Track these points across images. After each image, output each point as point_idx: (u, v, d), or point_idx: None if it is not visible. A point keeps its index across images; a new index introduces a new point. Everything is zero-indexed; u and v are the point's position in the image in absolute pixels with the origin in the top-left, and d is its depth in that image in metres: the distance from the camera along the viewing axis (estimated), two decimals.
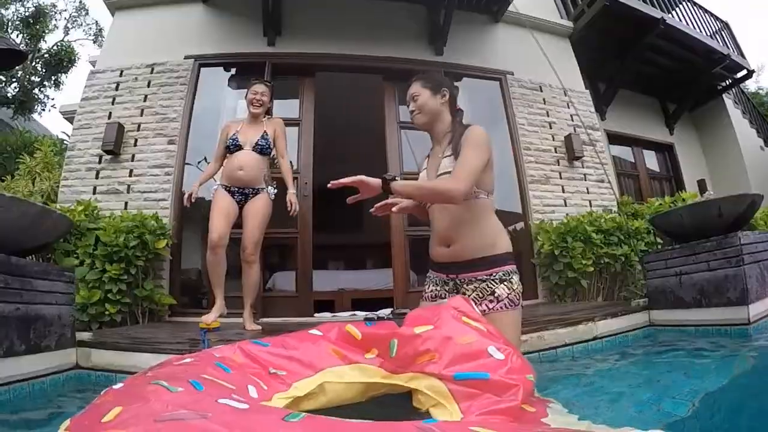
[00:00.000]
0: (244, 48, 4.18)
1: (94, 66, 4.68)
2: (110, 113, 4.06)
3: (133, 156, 3.89)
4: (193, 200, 2.72)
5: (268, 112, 2.91)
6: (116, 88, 4.15)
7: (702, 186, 6.71)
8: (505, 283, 1.52)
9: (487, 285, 1.52)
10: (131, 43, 4.35)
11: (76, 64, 7.35)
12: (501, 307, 1.50)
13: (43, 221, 2.04)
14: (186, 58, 4.15)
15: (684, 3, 6.50)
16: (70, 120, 5.43)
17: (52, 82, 7.26)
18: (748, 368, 1.68)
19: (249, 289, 2.67)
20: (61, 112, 5.36)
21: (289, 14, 4.25)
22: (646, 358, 2.11)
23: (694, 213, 2.51)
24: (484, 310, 1.49)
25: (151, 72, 4.16)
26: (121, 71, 4.20)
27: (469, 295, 1.53)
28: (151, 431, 0.64)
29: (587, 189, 4.43)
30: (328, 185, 1.49)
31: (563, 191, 4.36)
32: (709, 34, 6.60)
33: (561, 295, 3.78)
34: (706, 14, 6.81)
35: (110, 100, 4.13)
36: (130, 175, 3.84)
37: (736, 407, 1.25)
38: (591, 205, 4.34)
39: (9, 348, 1.64)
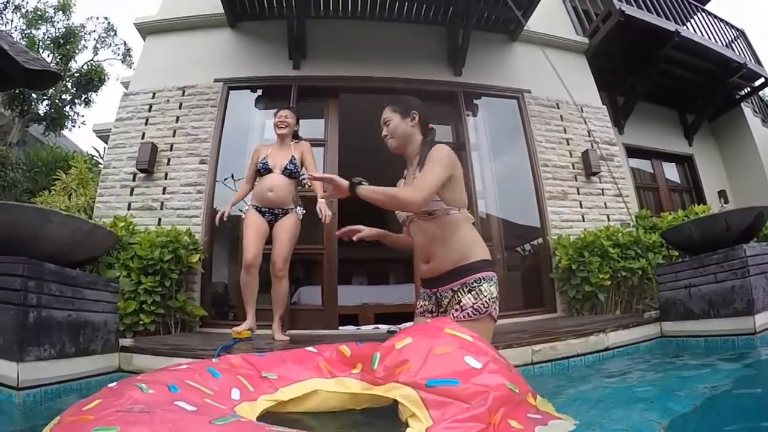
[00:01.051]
0: (271, 71, 4.44)
1: (125, 87, 5.01)
2: (143, 133, 4.35)
3: (166, 174, 4.16)
4: (225, 219, 2.93)
5: (296, 135, 3.10)
6: (149, 110, 4.44)
7: (722, 197, 6.76)
8: (472, 292, 1.58)
9: (456, 294, 1.62)
10: (162, 66, 4.65)
11: (105, 83, 7.75)
12: (464, 316, 1.57)
13: (93, 237, 2.24)
14: (215, 81, 4.43)
15: (699, 13, 6.60)
16: (103, 138, 5.77)
17: (82, 100, 7.66)
18: (741, 378, 1.75)
19: (278, 302, 2.86)
20: (94, 131, 5.70)
21: (314, 39, 4.52)
22: (650, 368, 2.21)
23: (703, 226, 2.61)
24: (453, 319, 1.58)
25: (183, 94, 4.44)
26: (154, 93, 4.50)
27: (446, 305, 1.66)
28: (106, 417, 0.83)
29: (605, 204, 4.55)
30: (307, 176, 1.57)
31: (581, 206, 4.49)
32: (725, 43, 6.67)
33: (579, 308, 3.89)
34: (721, 23, 6.88)
35: (143, 120, 4.41)
36: (163, 193, 4.10)
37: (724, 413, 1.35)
38: (609, 220, 4.45)
39: (61, 350, 1.84)
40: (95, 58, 7.96)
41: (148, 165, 4.08)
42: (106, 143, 6.02)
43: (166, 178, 4.15)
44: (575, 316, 3.90)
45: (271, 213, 2.88)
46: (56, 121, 7.35)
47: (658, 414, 1.25)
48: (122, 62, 8.48)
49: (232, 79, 4.44)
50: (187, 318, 3.58)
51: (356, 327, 3.83)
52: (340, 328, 3.75)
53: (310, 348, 1.51)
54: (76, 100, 7.55)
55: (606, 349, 2.41)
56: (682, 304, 2.59)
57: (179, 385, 1.13)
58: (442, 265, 1.65)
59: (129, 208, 4.09)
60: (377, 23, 4.67)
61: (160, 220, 4.01)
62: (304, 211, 3.00)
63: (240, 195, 3.09)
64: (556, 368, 2.21)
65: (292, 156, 2.93)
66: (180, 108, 4.39)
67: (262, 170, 2.91)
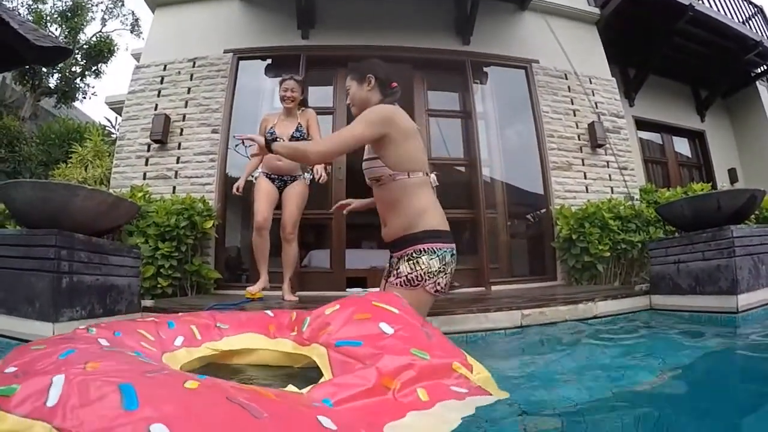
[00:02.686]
0: (280, 41, 4.57)
1: (137, 59, 5.18)
2: (156, 105, 4.54)
3: (180, 144, 4.36)
4: (240, 192, 3.12)
5: (303, 103, 3.23)
6: (161, 82, 4.62)
7: (732, 175, 6.84)
8: (410, 262, 1.60)
9: (399, 262, 1.65)
10: (173, 38, 4.80)
11: (115, 54, 7.93)
12: (398, 284, 1.61)
13: (117, 207, 2.44)
14: (225, 52, 4.58)
15: None
16: (116, 110, 5.98)
17: (93, 71, 7.86)
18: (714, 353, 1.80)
19: (288, 264, 3.09)
20: (106, 103, 5.90)
21: (322, 8, 4.62)
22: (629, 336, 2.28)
23: (695, 205, 2.70)
24: (390, 283, 1.67)
25: (193, 66, 4.61)
26: (165, 65, 4.66)
27: (391, 269, 1.71)
28: (51, 343, 1.04)
29: (609, 176, 4.68)
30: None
31: (585, 178, 4.63)
32: (742, 19, 6.63)
33: (578, 278, 4.06)
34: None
35: (156, 92, 4.60)
36: (177, 162, 4.32)
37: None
38: (612, 192, 4.59)
39: (91, 311, 2.06)
40: (103, 30, 8.14)
41: (162, 135, 4.28)
42: (119, 114, 6.26)
43: (179, 148, 4.36)
44: (574, 285, 4.08)
45: (281, 180, 3.07)
46: (67, 93, 7.57)
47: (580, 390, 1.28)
48: (131, 32, 8.67)
49: (241, 49, 4.58)
50: (202, 281, 3.81)
51: (363, 289, 4.06)
52: (347, 290, 3.98)
53: (268, 312, 1.66)
54: (86, 72, 7.74)
55: (594, 317, 2.52)
56: (671, 279, 2.68)
57: (125, 331, 1.31)
58: (393, 232, 1.70)
59: (144, 178, 4.31)
60: None
61: (174, 188, 4.23)
62: (311, 177, 3.20)
63: (252, 165, 3.23)
64: (544, 332, 2.32)
65: (299, 124, 3.08)
66: (191, 79, 4.56)
67: (269, 139, 3.11)
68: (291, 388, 0.98)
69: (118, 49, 7.88)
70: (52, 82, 7.56)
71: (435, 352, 1.10)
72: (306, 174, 3.14)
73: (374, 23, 4.64)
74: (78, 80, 7.75)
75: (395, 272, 1.65)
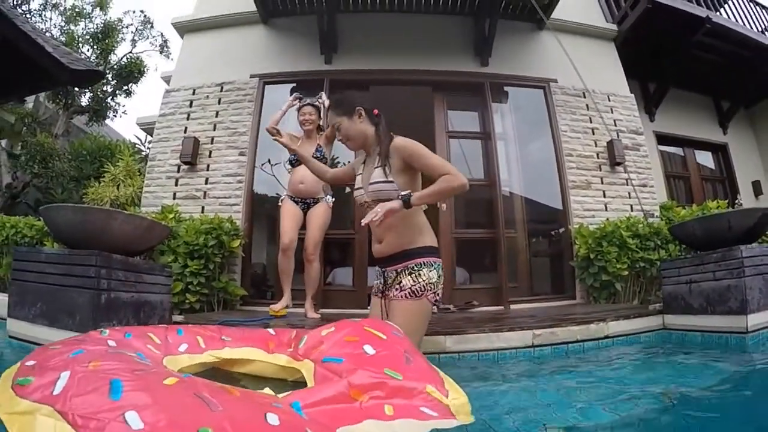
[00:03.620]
0: (304, 66, 4.81)
1: (167, 82, 5.49)
2: (186, 128, 4.81)
3: (208, 166, 4.61)
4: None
5: (320, 128, 3.40)
6: (190, 105, 4.89)
7: (756, 188, 6.78)
8: (413, 275, 1.76)
9: (399, 275, 1.79)
10: (201, 63, 5.08)
11: (145, 75, 8.33)
12: (402, 296, 1.75)
13: (151, 231, 2.68)
14: (251, 76, 4.83)
15: None
16: (147, 130, 6.30)
17: (123, 91, 8.26)
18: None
19: (310, 283, 3.27)
20: (137, 124, 6.23)
21: (344, 33, 4.84)
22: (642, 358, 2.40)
23: (706, 225, 2.79)
24: (391, 296, 1.79)
25: (221, 90, 4.86)
26: (194, 90, 4.94)
27: (389, 284, 1.83)
28: (66, 344, 1.22)
29: (629, 194, 4.72)
30: (362, 223, 1.75)
31: (604, 196, 4.70)
32: (761, 28, 6.62)
33: (596, 296, 4.12)
34: (757, 7, 6.80)
35: (185, 116, 4.87)
36: (205, 183, 4.56)
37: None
38: (632, 210, 4.64)
39: (125, 324, 2.23)
40: (133, 51, 8.54)
41: (191, 157, 4.53)
42: (149, 134, 6.59)
43: (208, 170, 4.60)
44: (592, 303, 4.13)
45: (304, 202, 3.27)
46: (99, 112, 7.97)
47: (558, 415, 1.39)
48: (160, 53, 9.04)
49: (267, 74, 4.83)
50: (228, 297, 4.02)
51: None
52: (369, 308, 4.15)
53: (271, 330, 1.81)
54: (117, 92, 8.15)
55: (605, 337, 2.61)
56: (683, 299, 2.74)
57: (135, 334, 1.48)
58: (392, 248, 1.83)
59: (174, 198, 4.56)
60: (405, 15, 4.93)
61: (203, 208, 4.47)
62: (334, 199, 3.38)
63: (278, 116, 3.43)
64: (554, 352, 2.44)
65: (318, 145, 3.26)
66: (219, 103, 4.82)
67: (293, 162, 3.29)
68: (267, 391, 1.12)
69: (147, 69, 8.28)
70: (84, 100, 7.98)
71: (409, 375, 1.20)
72: (329, 197, 3.32)
73: (394, 47, 4.83)
74: (109, 99, 8.16)
75: (397, 286, 1.78)
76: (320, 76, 4.72)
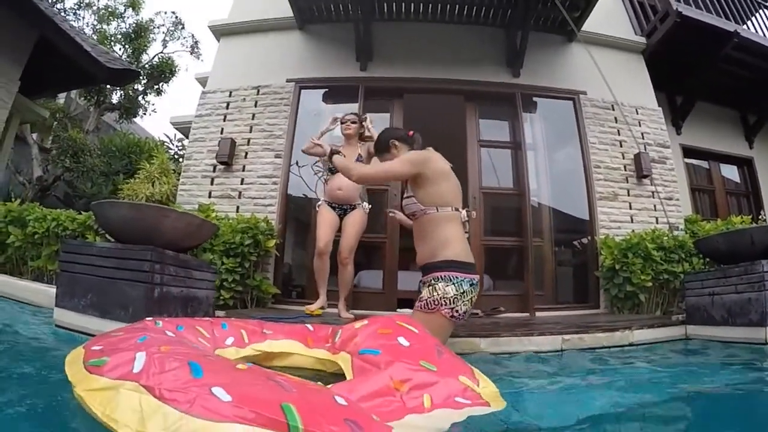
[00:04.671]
0: (340, 73, 5.02)
1: (201, 84, 5.73)
2: (222, 129, 5.05)
3: (244, 167, 4.84)
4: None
5: (362, 137, 3.58)
6: (226, 107, 5.13)
7: None
8: (429, 288, 1.85)
9: (422, 287, 1.93)
10: (237, 66, 5.33)
11: (175, 74, 8.65)
12: (419, 307, 1.87)
13: (201, 229, 2.77)
14: (288, 81, 5.06)
15: (762, 10, 6.65)
16: (180, 130, 6.57)
17: (154, 90, 8.59)
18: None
19: (343, 285, 3.44)
20: (171, 123, 6.50)
21: (379, 41, 5.05)
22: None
23: (729, 240, 2.93)
24: (414, 306, 1.92)
25: (257, 93, 5.10)
26: (230, 92, 5.18)
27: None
28: (127, 331, 1.33)
29: (654, 206, 4.86)
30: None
31: (630, 208, 4.84)
32: None
33: (620, 306, 4.26)
34: None
35: (221, 117, 5.11)
36: (241, 183, 4.79)
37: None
38: (657, 222, 4.78)
39: (173, 317, 2.29)
40: (164, 51, 8.86)
41: (228, 158, 4.76)
42: (182, 134, 6.86)
43: (243, 170, 4.83)
44: (616, 313, 4.28)
45: (341, 208, 3.44)
46: (129, 110, 8.30)
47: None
48: (190, 54, 9.37)
49: (303, 79, 5.05)
50: (261, 295, 4.22)
51: (411, 310, 4.42)
52: (398, 310, 4.34)
53: (309, 326, 1.92)
54: (147, 90, 8.47)
55: (630, 345, 2.75)
56: (705, 310, 2.88)
57: (186, 326, 1.58)
58: (420, 260, 1.98)
59: (209, 197, 4.79)
60: (439, 26, 5.14)
61: (238, 208, 4.69)
62: (370, 206, 3.57)
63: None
64: (582, 356, 2.56)
65: (359, 154, 3.43)
66: (255, 106, 5.05)
67: (332, 169, 3.41)
68: (317, 384, 1.18)
69: (178, 69, 8.59)
70: (115, 98, 8.30)
71: (442, 366, 1.28)
72: (365, 204, 3.50)
73: (428, 56, 5.04)
74: (140, 98, 8.48)
75: (419, 296, 1.91)
76: (355, 83, 4.94)
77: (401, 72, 4.97)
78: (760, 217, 6.16)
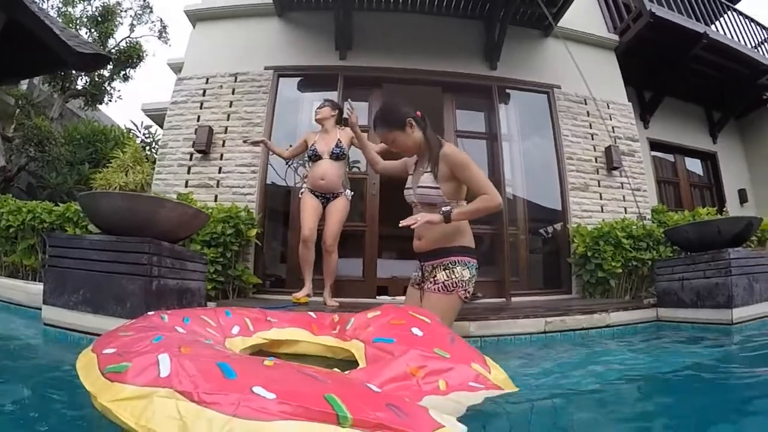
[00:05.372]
0: (319, 61, 5.06)
1: (175, 71, 5.69)
2: (199, 116, 5.02)
3: (222, 155, 4.83)
4: (248, 142, 3.67)
5: (340, 122, 3.62)
6: (203, 94, 5.10)
7: (742, 196, 7.35)
8: (447, 271, 1.95)
9: (435, 270, 2.00)
10: (214, 52, 5.28)
11: (143, 60, 8.44)
12: (436, 289, 1.96)
13: (195, 219, 2.74)
14: (266, 68, 5.06)
15: (729, 12, 7.08)
16: (152, 117, 6.47)
17: (121, 76, 8.37)
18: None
19: (329, 273, 3.51)
20: (143, 110, 6.39)
21: (359, 30, 5.10)
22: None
23: (698, 230, 3.23)
24: (426, 288, 2.00)
25: (235, 81, 5.08)
26: (207, 79, 5.14)
27: (426, 276, 2.05)
28: (137, 330, 1.31)
29: (623, 197, 5.17)
30: (400, 225, 1.90)
31: (601, 198, 5.12)
32: (754, 44, 7.16)
33: (592, 291, 4.52)
34: (752, 23, 7.36)
35: (198, 104, 5.08)
36: (219, 172, 4.78)
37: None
38: (626, 212, 5.07)
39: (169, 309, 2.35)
40: (132, 35, 8.64)
41: (205, 146, 4.73)
42: (154, 121, 6.76)
43: (221, 159, 4.82)
44: (588, 298, 4.54)
45: (324, 196, 3.49)
46: (95, 96, 8.07)
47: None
48: (159, 38, 9.17)
49: (282, 67, 5.06)
50: (243, 285, 4.22)
51: (391, 297, 4.54)
52: (378, 297, 4.47)
53: (311, 313, 1.96)
54: (114, 76, 8.25)
55: (607, 326, 3.01)
56: (676, 294, 3.17)
57: (192, 317, 1.58)
58: (431, 244, 2.03)
59: (186, 186, 4.76)
60: (419, 17, 5.25)
61: (216, 197, 4.69)
62: (353, 193, 3.64)
63: (277, 151, 3.78)
64: (563, 337, 2.83)
65: (338, 140, 3.47)
66: (233, 93, 5.03)
67: (312, 157, 3.49)
68: (335, 370, 1.22)
69: (146, 54, 8.39)
70: (80, 84, 8.07)
71: (455, 353, 1.35)
72: (348, 191, 3.57)
73: (407, 47, 5.14)
74: (106, 84, 8.26)
75: (432, 279, 1.99)
76: (334, 72, 4.99)
77: (380, 62, 5.06)
78: (724, 209, 6.59)
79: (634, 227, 4.55)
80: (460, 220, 1.94)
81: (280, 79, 5.08)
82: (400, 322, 1.53)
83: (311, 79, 5.17)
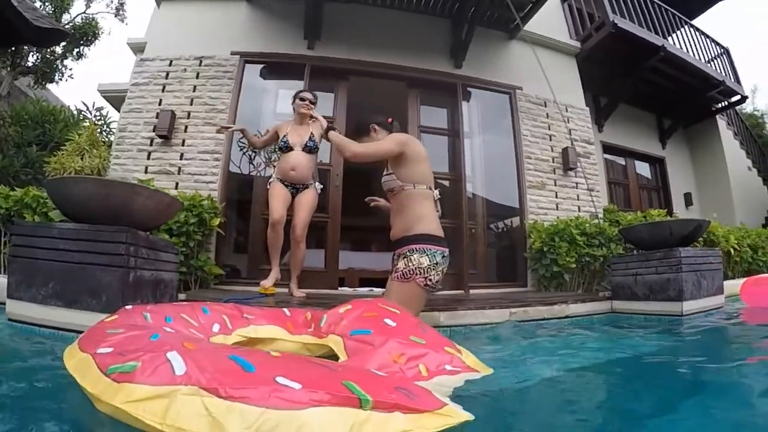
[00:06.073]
0: (287, 49, 5.06)
1: (135, 51, 5.52)
2: (161, 100, 4.91)
3: (184, 141, 4.75)
4: (224, 131, 3.69)
5: (312, 116, 3.60)
6: (166, 77, 4.99)
7: (687, 199, 7.92)
8: (405, 259, 2.07)
9: (398, 259, 2.14)
10: (178, 34, 5.17)
11: (99, 38, 8.10)
12: (395, 278, 2.09)
13: (170, 207, 2.66)
14: (233, 53, 5.01)
15: (686, 27, 7.61)
16: (110, 99, 6.24)
17: (74, 54, 8.01)
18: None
19: (296, 263, 3.53)
20: (99, 90, 6.14)
21: (329, 21, 5.14)
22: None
23: (651, 230, 3.52)
24: (390, 278, 2.13)
25: (200, 64, 5.00)
26: (171, 61, 5.03)
27: (393, 266, 2.19)
28: (128, 327, 1.27)
29: (577, 196, 5.50)
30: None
31: (556, 197, 5.43)
32: (708, 58, 7.73)
33: (547, 285, 4.81)
34: (707, 39, 7.93)
35: (160, 87, 4.97)
36: (180, 159, 4.71)
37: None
38: (579, 211, 5.41)
39: (144, 302, 2.21)
40: (88, 12, 8.29)
41: (167, 131, 4.64)
42: (111, 103, 6.54)
43: (183, 145, 4.75)
44: (543, 291, 4.81)
45: (294, 187, 3.51)
46: (46, 74, 7.70)
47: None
48: (115, 16, 8.82)
49: (248, 53, 5.03)
50: (205, 276, 4.16)
51: (352, 289, 4.66)
52: (339, 288, 4.58)
53: (285, 310, 1.96)
54: (67, 54, 7.90)
55: (566, 317, 3.25)
56: (629, 288, 3.46)
57: (174, 316, 1.56)
58: (396, 233, 2.19)
59: (146, 172, 4.65)
60: (389, 11, 5.35)
61: (177, 184, 4.61)
62: (322, 186, 3.71)
63: (252, 140, 3.77)
64: (527, 326, 2.98)
65: (311, 134, 3.52)
66: (197, 77, 4.95)
67: (284, 148, 3.50)
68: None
69: (102, 32, 8.07)
70: (31, 60, 7.69)
71: (429, 339, 1.44)
72: (317, 184, 3.62)
73: (376, 41, 5.23)
74: (58, 61, 7.89)
75: (394, 268, 2.11)
76: (302, 61, 5.01)
77: (348, 54, 5.12)
78: (674, 212, 7.10)
79: (588, 225, 4.85)
80: (331, 139, 2.36)
81: (247, 65, 5.05)
82: (372, 314, 1.61)
83: (277, 68, 5.16)
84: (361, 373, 1.02)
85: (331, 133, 2.36)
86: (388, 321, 1.53)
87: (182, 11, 5.34)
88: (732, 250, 5.48)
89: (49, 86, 8.31)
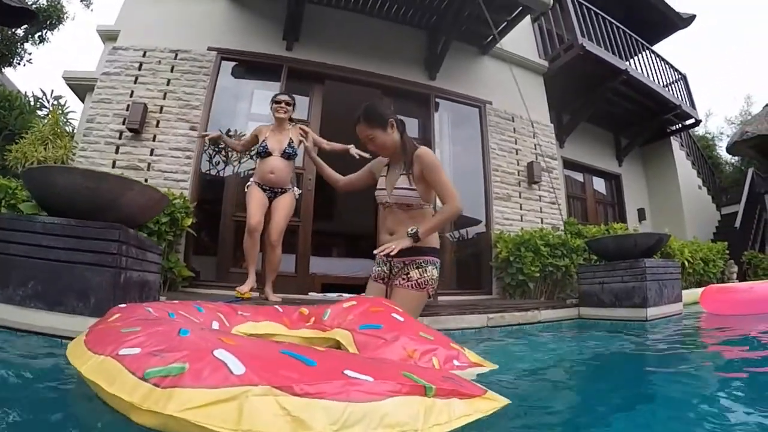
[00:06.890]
0: (265, 49, 5.07)
1: (104, 39, 5.36)
2: (132, 92, 4.78)
3: (155, 136, 4.64)
4: (206, 139, 3.72)
5: (290, 119, 3.67)
6: (139, 68, 4.86)
7: (641, 214, 8.48)
8: (419, 269, 2.09)
9: (407, 267, 2.12)
10: (153, 24, 5.04)
11: (63, 23, 7.77)
12: (408, 286, 2.09)
13: (160, 203, 2.57)
14: (209, 49, 4.96)
15: (646, 52, 8.15)
16: (74, 87, 6.02)
17: (37, 37, 7.66)
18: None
19: (271, 268, 3.52)
20: (64, 78, 5.91)
21: (308, 24, 5.19)
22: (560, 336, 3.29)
23: (618, 242, 3.83)
24: (397, 284, 2.12)
25: (175, 58, 4.91)
26: (145, 52, 4.90)
27: (395, 273, 2.16)
28: (130, 321, 1.19)
29: (541, 208, 5.82)
30: (375, 253, 2.06)
31: (521, 209, 5.72)
32: (666, 82, 8.31)
33: (512, 293, 5.06)
34: (666, 65, 8.53)
35: (132, 78, 4.84)
36: (151, 154, 4.60)
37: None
38: (542, 222, 5.73)
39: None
40: None
41: (138, 125, 4.51)
42: (75, 92, 6.32)
43: (154, 140, 4.63)
44: (508, 298, 5.05)
45: (272, 191, 3.51)
46: (4, 57, 7.31)
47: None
48: (81, 1, 8.49)
49: (226, 50, 5.00)
50: (174, 278, 4.05)
51: (322, 294, 4.74)
52: (309, 294, 4.65)
53: (278, 307, 1.96)
54: (28, 37, 7.55)
55: (539, 322, 3.52)
56: (596, 296, 3.73)
57: (175, 313, 1.53)
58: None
59: (114, 166, 4.50)
60: (368, 19, 5.48)
61: (146, 180, 4.50)
62: (300, 191, 3.74)
63: (232, 145, 3.81)
64: (504, 330, 3.26)
65: (291, 139, 3.53)
66: (172, 71, 4.86)
67: (262, 153, 3.49)
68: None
69: (67, 18, 7.76)
70: None
71: (436, 336, 1.49)
72: (295, 189, 3.64)
73: (354, 47, 5.34)
74: (19, 44, 7.53)
75: (405, 276, 2.11)
76: (279, 62, 5.04)
77: (325, 58, 5.19)
78: (635, 226, 7.57)
79: (551, 236, 5.15)
80: (427, 235, 2.07)
81: (223, 62, 5.02)
82: (379, 309, 1.64)
83: (255, 67, 5.16)
84: (410, 365, 1.07)
85: (422, 233, 2.04)
86: (396, 316, 1.58)
87: (160, 1, 5.24)
88: (686, 263, 5.93)
89: (6, 70, 7.90)
